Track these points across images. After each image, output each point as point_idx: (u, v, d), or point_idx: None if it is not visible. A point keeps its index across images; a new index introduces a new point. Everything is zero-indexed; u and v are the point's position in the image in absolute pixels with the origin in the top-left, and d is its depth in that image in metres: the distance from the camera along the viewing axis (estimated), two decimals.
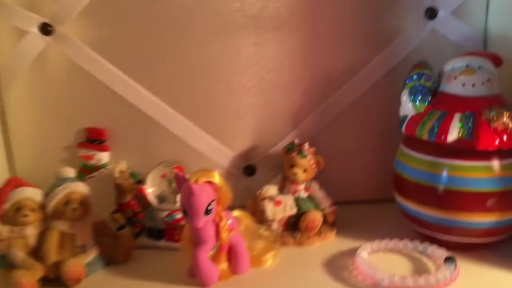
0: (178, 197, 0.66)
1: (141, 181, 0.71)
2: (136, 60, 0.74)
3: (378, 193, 0.79)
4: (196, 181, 0.58)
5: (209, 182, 0.59)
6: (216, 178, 0.59)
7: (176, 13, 0.73)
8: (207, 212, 0.58)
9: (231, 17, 0.73)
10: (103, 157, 0.75)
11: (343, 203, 0.75)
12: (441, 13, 0.75)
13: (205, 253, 0.59)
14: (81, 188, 0.63)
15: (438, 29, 0.76)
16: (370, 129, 0.79)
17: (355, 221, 0.75)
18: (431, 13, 0.75)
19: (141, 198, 0.71)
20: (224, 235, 0.60)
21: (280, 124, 0.78)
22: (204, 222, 0.58)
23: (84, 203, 0.63)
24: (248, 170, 0.80)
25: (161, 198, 0.70)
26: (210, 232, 0.60)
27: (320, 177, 0.74)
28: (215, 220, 0.60)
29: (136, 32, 0.73)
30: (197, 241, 0.60)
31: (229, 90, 0.76)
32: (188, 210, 0.58)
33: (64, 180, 0.64)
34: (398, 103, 0.68)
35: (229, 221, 0.61)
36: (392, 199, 0.71)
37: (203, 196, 0.57)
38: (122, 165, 0.71)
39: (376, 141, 0.79)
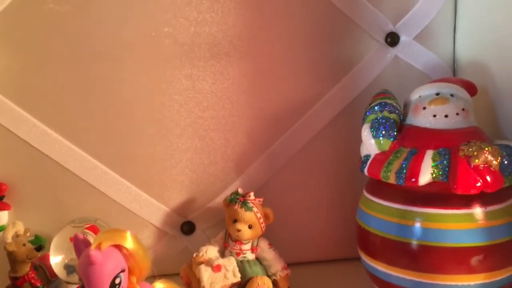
0: None
1: (42, 247, 0.56)
2: (43, 97, 0.62)
3: (339, 252, 0.68)
4: (98, 246, 0.44)
5: (118, 247, 0.45)
6: (128, 240, 0.46)
7: (93, 39, 0.62)
8: (114, 287, 0.44)
9: (160, 44, 0.63)
10: (1, 217, 0.62)
11: (297, 264, 0.64)
12: (403, 39, 0.67)
13: None
14: None
15: (401, 57, 0.67)
16: (327, 176, 0.68)
17: (313, 287, 0.63)
18: (392, 39, 0.66)
19: (46, 268, 0.58)
20: None
21: (221, 171, 0.67)
22: None
23: None
24: (186, 227, 0.68)
25: (70, 268, 0.57)
26: None
27: (270, 235, 0.62)
28: None
29: (43, 61, 0.62)
30: None
31: (159, 132, 0.65)
32: (86, 285, 0.43)
33: None
34: (358, 142, 0.58)
35: None
36: (357, 258, 0.59)
37: (106, 266, 0.44)
38: (18, 227, 0.57)
39: (334, 190, 0.68)
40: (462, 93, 0.55)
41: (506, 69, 0.58)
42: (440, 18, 0.66)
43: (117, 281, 0.44)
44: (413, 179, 0.50)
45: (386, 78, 0.66)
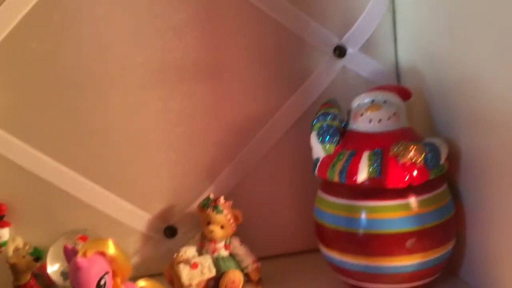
0: None
1: (40, 258, 0.64)
2: (32, 124, 0.69)
3: (302, 245, 0.75)
4: (84, 254, 0.52)
5: (102, 253, 0.53)
6: (110, 247, 0.54)
7: (76, 72, 0.69)
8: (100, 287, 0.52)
9: (134, 73, 0.70)
10: (3, 234, 0.68)
11: (268, 258, 0.71)
12: (350, 51, 0.73)
13: None
14: None
15: (349, 67, 0.74)
16: (289, 177, 0.75)
17: (282, 277, 0.70)
18: (340, 51, 0.73)
19: (45, 276, 0.66)
20: None
21: (196, 179, 0.74)
22: None
23: None
24: (168, 231, 0.74)
25: (66, 275, 0.64)
26: None
27: (241, 233, 0.69)
28: None
29: (30, 93, 0.68)
30: None
31: (138, 149, 0.72)
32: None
33: None
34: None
35: None
36: (318, 249, 0.66)
37: (91, 270, 0.51)
38: (18, 242, 0.65)
39: (296, 190, 0.75)
40: (394, 98, 0.62)
41: (436, 74, 0.65)
42: (381, 30, 0.73)
43: (102, 282, 0.52)
44: (354, 178, 0.58)
45: (336, 87, 0.72)
